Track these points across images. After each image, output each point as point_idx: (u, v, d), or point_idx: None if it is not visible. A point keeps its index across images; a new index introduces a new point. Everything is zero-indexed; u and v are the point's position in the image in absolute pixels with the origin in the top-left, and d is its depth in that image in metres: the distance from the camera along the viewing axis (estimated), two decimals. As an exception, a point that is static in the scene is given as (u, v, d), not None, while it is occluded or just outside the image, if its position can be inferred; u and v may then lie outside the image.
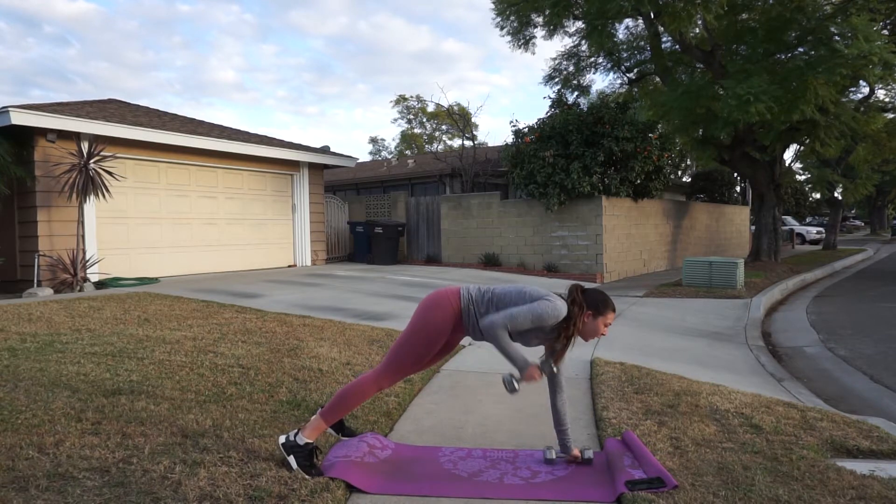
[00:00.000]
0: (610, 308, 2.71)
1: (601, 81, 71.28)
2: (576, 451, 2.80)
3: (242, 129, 13.06)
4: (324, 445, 2.88)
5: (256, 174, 11.71)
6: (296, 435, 2.59)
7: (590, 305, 2.69)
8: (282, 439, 2.60)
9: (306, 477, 2.49)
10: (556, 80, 15.46)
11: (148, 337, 5.05)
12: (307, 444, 2.57)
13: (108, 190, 8.56)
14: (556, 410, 2.81)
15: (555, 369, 2.73)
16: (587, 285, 2.87)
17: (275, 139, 12.65)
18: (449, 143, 34.27)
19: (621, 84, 16.43)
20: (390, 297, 7.99)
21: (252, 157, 11.31)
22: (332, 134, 78.34)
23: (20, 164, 8.41)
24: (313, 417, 2.68)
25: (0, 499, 2.22)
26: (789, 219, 26.65)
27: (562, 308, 2.61)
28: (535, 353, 2.80)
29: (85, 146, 8.56)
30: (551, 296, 2.64)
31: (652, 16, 12.18)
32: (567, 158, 11.58)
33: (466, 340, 5.24)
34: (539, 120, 12.78)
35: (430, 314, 2.68)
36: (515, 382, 2.59)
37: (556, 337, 2.69)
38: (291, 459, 2.54)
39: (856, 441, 3.11)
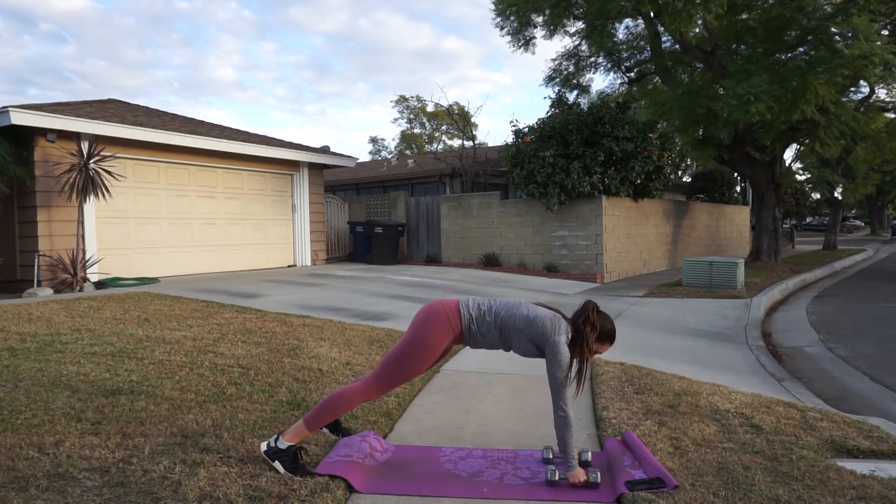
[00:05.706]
0: (608, 340, 2.71)
1: (601, 81, 71.44)
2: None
3: (242, 128, 13.09)
4: (324, 445, 2.88)
5: (256, 174, 11.71)
6: (276, 440, 2.58)
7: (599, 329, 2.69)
8: (263, 447, 2.60)
9: (296, 479, 2.49)
10: (557, 80, 15.47)
11: (148, 337, 5.05)
12: (289, 447, 2.57)
13: (107, 190, 8.56)
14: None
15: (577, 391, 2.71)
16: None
17: (275, 139, 12.65)
18: (449, 143, 34.33)
19: (621, 84, 16.44)
20: (390, 297, 7.99)
21: (252, 157, 11.31)
22: (331, 133, 78.38)
23: (20, 163, 8.41)
24: (296, 423, 2.67)
25: (0, 499, 2.22)
26: None
27: (566, 347, 2.62)
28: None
29: (85, 146, 8.56)
30: (559, 333, 2.62)
31: (652, 16, 12.19)
32: (567, 158, 11.57)
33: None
34: (539, 120, 12.79)
35: (426, 336, 2.65)
36: (557, 474, 2.59)
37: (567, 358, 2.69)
38: (277, 465, 2.54)
39: (856, 441, 3.11)
